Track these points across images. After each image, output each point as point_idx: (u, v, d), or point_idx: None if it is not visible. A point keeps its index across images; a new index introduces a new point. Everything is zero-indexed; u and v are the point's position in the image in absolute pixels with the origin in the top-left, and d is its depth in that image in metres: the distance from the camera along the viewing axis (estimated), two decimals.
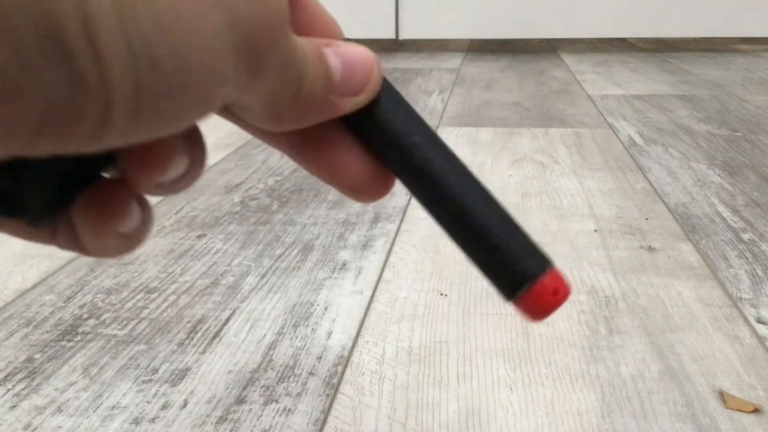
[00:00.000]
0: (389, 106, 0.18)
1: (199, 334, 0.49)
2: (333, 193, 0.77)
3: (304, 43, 0.16)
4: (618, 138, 1.00)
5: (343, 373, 0.44)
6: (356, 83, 0.17)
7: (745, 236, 0.64)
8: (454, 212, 0.18)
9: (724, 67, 1.67)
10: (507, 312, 0.51)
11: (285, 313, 0.51)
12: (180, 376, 0.44)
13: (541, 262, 0.18)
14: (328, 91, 0.17)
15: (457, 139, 1.00)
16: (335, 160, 0.19)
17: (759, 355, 0.45)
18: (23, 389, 0.43)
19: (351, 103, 0.18)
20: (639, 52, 1.97)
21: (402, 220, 0.69)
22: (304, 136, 0.19)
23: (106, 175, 0.17)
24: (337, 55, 0.17)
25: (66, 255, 0.62)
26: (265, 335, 0.49)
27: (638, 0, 1.84)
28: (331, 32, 0.18)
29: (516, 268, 0.18)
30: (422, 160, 0.18)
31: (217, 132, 1.07)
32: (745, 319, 0.49)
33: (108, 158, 0.16)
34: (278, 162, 0.90)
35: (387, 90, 0.19)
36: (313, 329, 0.49)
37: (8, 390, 0.43)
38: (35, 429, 0.39)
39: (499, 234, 0.18)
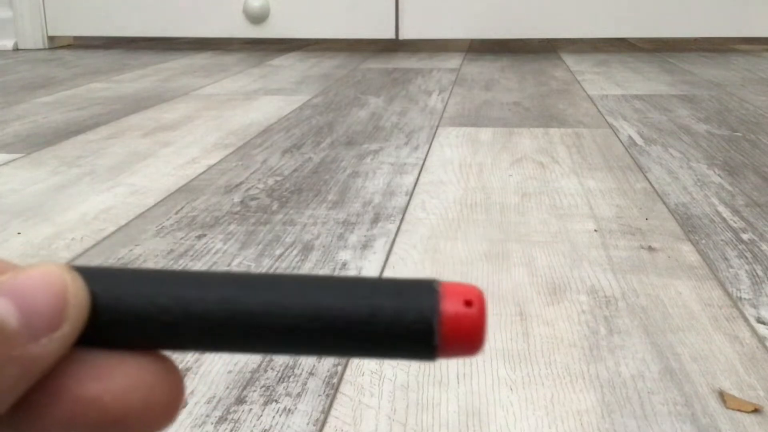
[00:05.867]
0: (117, 293, 0.14)
1: None
2: (333, 193, 0.77)
3: None
4: (618, 138, 1.00)
5: (343, 373, 0.44)
6: (48, 316, 0.13)
7: (745, 236, 0.64)
8: (289, 325, 0.14)
9: (724, 67, 1.67)
10: (507, 312, 0.51)
11: None
12: None
13: (425, 288, 0.14)
14: (10, 348, 0.13)
15: (456, 139, 1.01)
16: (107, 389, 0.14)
17: (759, 355, 0.45)
18: None
19: (57, 342, 0.13)
20: (639, 52, 1.97)
21: (402, 220, 0.69)
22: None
23: None
24: (3, 297, 0.13)
25: (66, 255, 0.62)
26: None
27: (638, 0, 1.84)
28: None
29: (408, 320, 0.14)
30: (209, 310, 0.14)
31: (217, 132, 1.07)
32: (745, 319, 0.49)
33: None
34: (278, 162, 0.90)
35: (103, 281, 0.14)
36: None
37: None
38: None
39: (356, 304, 0.14)
